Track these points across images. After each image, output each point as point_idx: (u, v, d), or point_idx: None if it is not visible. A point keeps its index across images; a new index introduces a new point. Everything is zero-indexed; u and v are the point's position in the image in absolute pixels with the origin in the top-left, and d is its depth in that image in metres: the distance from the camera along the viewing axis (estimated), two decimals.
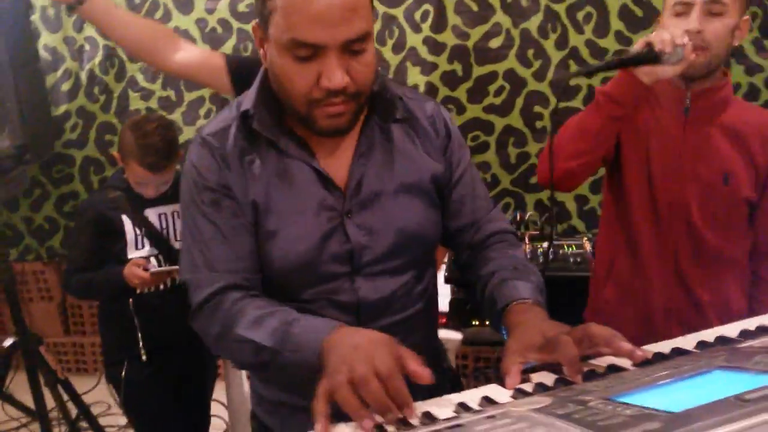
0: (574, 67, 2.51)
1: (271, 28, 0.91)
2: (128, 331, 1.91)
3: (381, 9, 2.55)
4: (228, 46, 2.72)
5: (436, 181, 1.09)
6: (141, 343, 1.91)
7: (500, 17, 2.52)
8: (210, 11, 2.72)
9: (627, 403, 0.57)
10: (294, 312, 0.94)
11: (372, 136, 1.06)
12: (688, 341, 0.89)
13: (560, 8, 2.49)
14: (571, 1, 2.48)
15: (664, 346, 0.88)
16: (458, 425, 0.63)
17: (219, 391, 2.26)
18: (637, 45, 1.23)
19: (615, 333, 0.84)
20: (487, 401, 0.76)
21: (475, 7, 2.53)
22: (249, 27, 2.67)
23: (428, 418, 0.72)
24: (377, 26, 2.58)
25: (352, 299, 1.04)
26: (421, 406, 0.76)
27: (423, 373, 0.76)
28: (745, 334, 0.87)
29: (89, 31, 2.77)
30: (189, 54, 1.74)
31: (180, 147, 1.93)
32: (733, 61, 2.46)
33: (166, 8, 2.73)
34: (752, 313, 1.43)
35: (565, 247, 2.33)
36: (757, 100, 2.46)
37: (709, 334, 0.90)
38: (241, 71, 1.72)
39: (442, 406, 0.75)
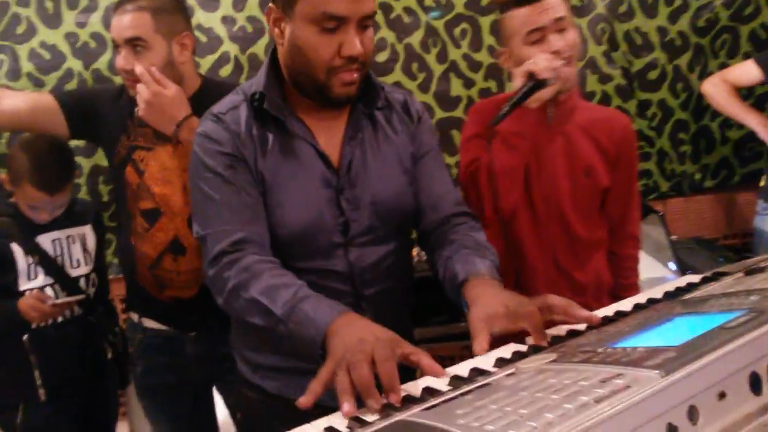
0: (454, 78, 2.69)
1: (298, 5, 1.03)
2: (23, 371, 1.74)
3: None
4: (103, 61, 2.57)
5: (415, 160, 1.22)
6: (40, 382, 1.74)
7: (385, 33, 2.64)
8: (81, 25, 2.56)
9: (629, 347, 0.66)
10: (307, 288, 1.01)
11: (358, 121, 1.17)
12: (624, 305, 1.02)
13: (438, 24, 2.67)
14: (448, 17, 2.66)
15: (606, 311, 1.00)
16: (486, 384, 0.68)
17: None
18: (520, 78, 1.34)
19: (571, 302, 0.95)
20: (476, 372, 0.81)
21: None
22: None
23: (430, 391, 0.76)
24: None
25: (346, 268, 1.14)
26: (419, 383, 0.80)
27: (435, 369, 0.80)
28: (671, 294, 1.01)
29: None
30: (15, 101, 1.62)
31: (75, 167, 1.81)
32: (588, 72, 2.78)
33: (30, 21, 2.52)
34: (617, 285, 1.62)
35: None
36: (610, 104, 2.79)
37: (640, 298, 1.03)
38: (76, 106, 1.65)
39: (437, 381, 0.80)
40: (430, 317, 2.24)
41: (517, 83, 1.36)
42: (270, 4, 1.11)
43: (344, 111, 1.18)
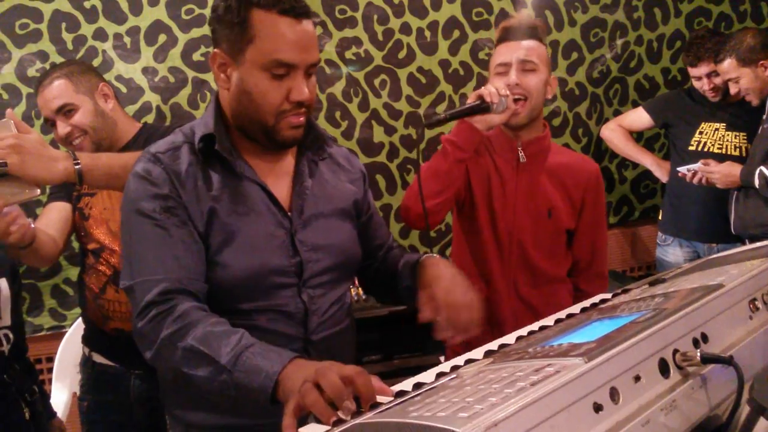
0: (376, 126, 2.81)
1: (248, 53, 1.06)
2: None
3: (191, 74, 2.59)
4: (18, 113, 2.50)
5: (356, 205, 1.28)
6: None
7: None
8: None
9: (556, 344, 0.74)
10: (249, 336, 0.97)
11: (306, 168, 1.22)
12: (547, 321, 1.10)
13: (359, 76, 2.79)
14: (368, 69, 2.79)
15: (531, 327, 1.08)
16: (432, 387, 0.73)
17: None
18: (471, 98, 1.48)
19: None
20: (419, 385, 0.86)
21: None
22: None
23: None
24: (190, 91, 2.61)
25: (299, 310, 1.14)
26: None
27: (386, 389, 0.83)
28: (586, 308, 1.11)
29: None
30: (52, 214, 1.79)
31: None
32: None
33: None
34: None
35: None
36: None
37: (560, 315, 1.12)
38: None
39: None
40: (364, 356, 2.27)
41: (469, 101, 1.49)
42: (215, 50, 1.12)
43: (286, 157, 1.21)
